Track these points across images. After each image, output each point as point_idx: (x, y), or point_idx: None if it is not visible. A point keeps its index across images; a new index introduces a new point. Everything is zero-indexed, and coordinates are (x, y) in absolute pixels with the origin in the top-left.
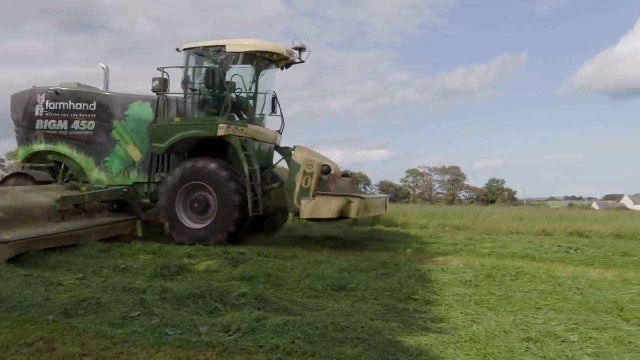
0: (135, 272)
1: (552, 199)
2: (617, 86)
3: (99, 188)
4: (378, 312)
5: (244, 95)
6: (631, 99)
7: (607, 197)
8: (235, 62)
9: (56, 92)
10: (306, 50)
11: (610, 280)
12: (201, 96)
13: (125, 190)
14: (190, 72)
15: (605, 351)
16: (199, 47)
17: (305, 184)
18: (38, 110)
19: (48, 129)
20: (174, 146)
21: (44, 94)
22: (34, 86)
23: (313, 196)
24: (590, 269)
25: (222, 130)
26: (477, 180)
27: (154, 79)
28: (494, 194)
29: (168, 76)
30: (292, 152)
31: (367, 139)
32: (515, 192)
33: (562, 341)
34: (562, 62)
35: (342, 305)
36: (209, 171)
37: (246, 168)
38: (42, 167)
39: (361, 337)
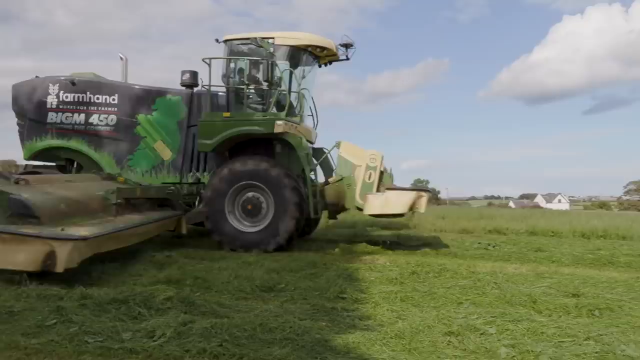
0: (52, 278)
1: (473, 198)
2: (531, 92)
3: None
4: (307, 311)
5: (286, 91)
6: (543, 104)
7: (523, 197)
8: (283, 56)
9: (72, 83)
10: (353, 47)
11: (525, 275)
12: (247, 91)
13: (172, 188)
14: (234, 65)
15: (520, 342)
16: (245, 39)
17: (369, 178)
18: (50, 102)
19: (62, 122)
20: (223, 143)
21: (57, 84)
22: (36, 76)
23: (377, 190)
24: (507, 264)
25: (279, 128)
26: (403, 180)
27: (183, 72)
28: None
29: (210, 68)
30: (338, 148)
31: None
32: (439, 192)
33: (482, 334)
34: (482, 67)
35: (270, 306)
36: (265, 171)
37: (307, 168)
38: (51, 166)
39: (290, 338)
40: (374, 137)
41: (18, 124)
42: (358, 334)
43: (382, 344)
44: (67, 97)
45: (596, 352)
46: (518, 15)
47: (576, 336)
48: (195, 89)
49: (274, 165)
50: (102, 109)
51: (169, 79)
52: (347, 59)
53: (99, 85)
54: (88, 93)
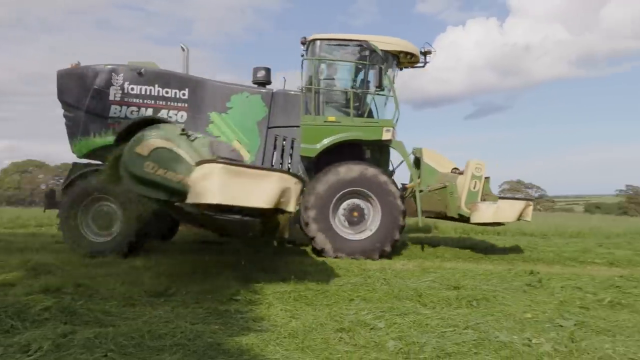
0: None
1: None
2: (417, 97)
3: None
4: (199, 316)
5: (392, 96)
6: (429, 108)
7: None
8: (376, 60)
9: (139, 73)
10: (431, 54)
11: (412, 270)
12: (339, 94)
13: None
14: (328, 66)
15: (406, 334)
16: (339, 40)
17: (474, 187)
18: (114, 94)
19: (126, 117)
20: (328, 148)
21: (121, 74)
22: (75, 63)
23: (483, 200)
24: (395, 261)
25: (388, 134)
26: None
27: (257, 69)
28: None
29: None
30: (417, 155)
31: None
32: None
33: (371, 328)
34: None
35: (160, 311)
36: (373, 177)
37: (415, 175)
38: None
39: (181, 343)
40: None
41: (66, 116)
42: (252, 336)
43: (276, 344)
44: (132, 89)
45: (474, 340)
46: (407, 24)
47: (457, 326)
48: (275, 89)
49: (383, 172)
50: (172, 104)
51: (49, 73)
52: (424, 65)
53: (168, 78)
54: (156, 86)
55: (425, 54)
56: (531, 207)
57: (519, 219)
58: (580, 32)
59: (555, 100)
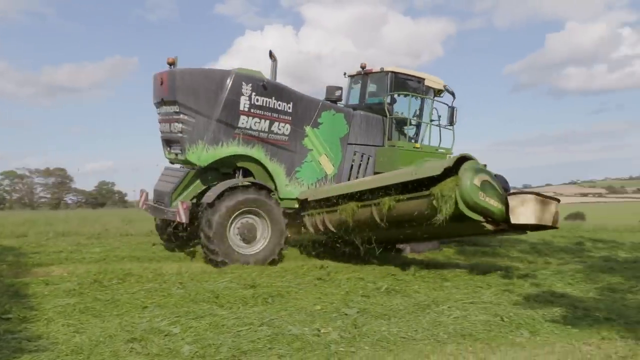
0: None
1: None
2: None
3: None
4: None
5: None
6: None
7: None
8: (426, 94)
9: (264, 86)
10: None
11: (209, 272)
12: (412, 126)
13: None
14: (406, 98)
15: (202, 337)
16: (415, 77)
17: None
18: (244, 104)
19: (250, 128)
20: None
21: (250, 84)
22: (173, 57)
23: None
24: (193, 263)
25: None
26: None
27: (333, 88)
28: (105, 197)
29: (389, 99)
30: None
31: None
32: (126, 195)
33: (166, 335)
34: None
35: None
36: None
37: None
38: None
39: None
40: (57, 134)
41: (184, 121)
42: (26, 357)
43: None
44: (257, 100)
45: (268, 336)
46: (206, 24)
47: (252, 324)
48: (355, 110)
49: None
50: (281, 117)
51: None
52: (441, 96)
53: (281, 91)
54: (273, 98)
55: (450, 92)
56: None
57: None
58: (365, 47)
59: None
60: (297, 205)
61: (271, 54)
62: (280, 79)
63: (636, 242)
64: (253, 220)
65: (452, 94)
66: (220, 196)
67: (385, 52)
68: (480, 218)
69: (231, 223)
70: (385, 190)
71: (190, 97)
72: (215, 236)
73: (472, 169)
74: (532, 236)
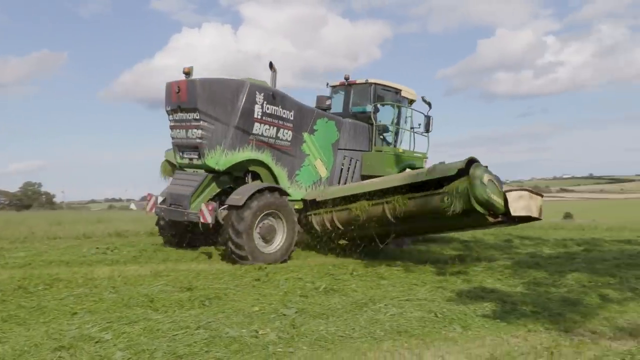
0: None
1: (93, 201)
2: (153, 96)
3: None
4: None
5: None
6: (160, 108)
7: (143, 199)
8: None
9: (273, 95)
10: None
11: (143, 275)
12: (392, 133)
13: None
14: (388, 108)
15: (136, 342)
16: (392, 87)
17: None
18: (257, 112)
19: (262, 135)
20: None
21: (262, 93)
22: (188, 67)
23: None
24: (126, 266)
25: (426, 162)
26: (10, 183)
27: (323, 97)
28: (30, 198)
29: (376, 109)
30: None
31: None
32: (54, 196)
33: (97, 342)
34: (103, 67)
35: None
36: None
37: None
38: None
39: None
40: None
41: (204, 128)
42: None
43: None
44: (268, 108)
45: (205, 339)
46: (141, 20)
47: (189, 327)
48: (344, 119)
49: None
50: (285, 124)
51: None
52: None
53: (284, 100)
54: (280, 107)
55: (425, 102)
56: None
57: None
58: (305, 48)
59: None
60: (297, 207)
61: (271, 65)
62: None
63: (559, 238)
64: (273, 222)
65: (429, 104)
66: (250, 197)
67: (323, 53)
68: (485, 212)
69: (258, 223)
70: (394, 190)
71: (210, 105)
72: (244, 232)
73: (482, 169)
74: (464, 234)
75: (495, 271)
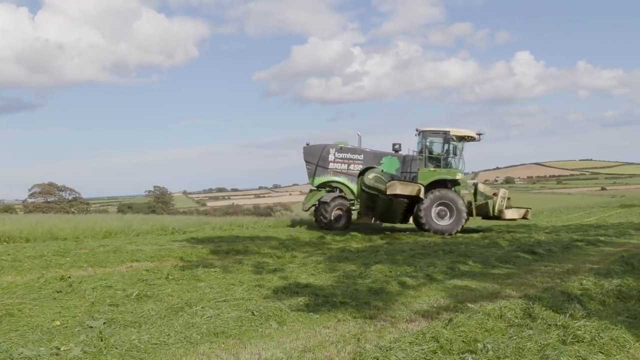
0: None
1: None
2: None
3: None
4: None
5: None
6: None
7: None
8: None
9: (341, 148)
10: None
11: None
12: (435, 160)
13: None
14: (432, 143)
15: None
16: (439, 131)
17: (503, 202)
18: (330, 158)
19: (336, 168)
20: (430, 183)
21: (334, 148)
22: (307, 143)
23: (508, 207)
24: None
25: (459, 176)
26: None
27: (396, 144)
28: None
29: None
30: (476, 186)
31: None
32: None
33: None
34: None
35: None
36: (452, 196)
37: (472, 196)
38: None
39: None
40: None
41: (308, 167)
42: None
43: None
44: (338, 155)
45: None
46: None
47: None
48: (401, 153)
49: (456, 193)
50: (355, 161)
51: None
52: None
53: (354, 150)
54: (349, 154)
55: (479, 134)
56: (530, 211)
57: (523, 218)
58: (116, 41)
59: (89, 102)
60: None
61: (358, 135)
62: (10, 67)
63: (365, 235)
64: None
65: (472, 137)
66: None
67: (137, 47)
68: (377, 193)
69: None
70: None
71: (308, 157)
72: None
73: (370, 172)
74: (281, 233)
75: (310, 267)
